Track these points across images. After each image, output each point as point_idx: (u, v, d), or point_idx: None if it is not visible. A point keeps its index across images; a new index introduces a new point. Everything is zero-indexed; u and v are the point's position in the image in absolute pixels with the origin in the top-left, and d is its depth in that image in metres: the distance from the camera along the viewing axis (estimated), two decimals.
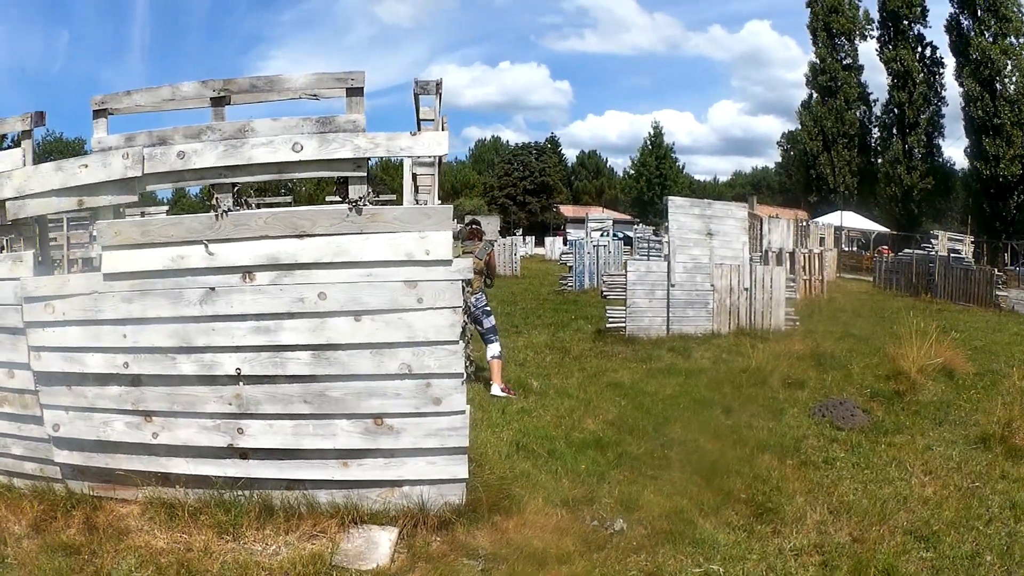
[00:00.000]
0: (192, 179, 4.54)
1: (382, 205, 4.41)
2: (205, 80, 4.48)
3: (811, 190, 57.15)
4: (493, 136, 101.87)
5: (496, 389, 8.38)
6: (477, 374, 8.87)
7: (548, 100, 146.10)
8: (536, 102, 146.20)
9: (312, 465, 4.72)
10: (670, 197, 13.21)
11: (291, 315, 4.50)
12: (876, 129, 57.60)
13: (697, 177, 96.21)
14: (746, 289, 12.85)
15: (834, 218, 42.75)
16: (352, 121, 4.28)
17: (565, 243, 37.89)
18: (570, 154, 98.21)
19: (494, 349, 8.60)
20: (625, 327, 12.33)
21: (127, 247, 4.67)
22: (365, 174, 4.32)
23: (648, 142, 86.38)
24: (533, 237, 58.48)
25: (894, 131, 54.40)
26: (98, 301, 4.74)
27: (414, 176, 4.95)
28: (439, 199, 4.85)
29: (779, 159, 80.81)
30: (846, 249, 42.34)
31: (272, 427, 4.69)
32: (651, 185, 77.15)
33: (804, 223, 28.70)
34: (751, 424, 7.16)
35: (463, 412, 4.66)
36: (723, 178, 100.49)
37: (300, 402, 4.61)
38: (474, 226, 9.43)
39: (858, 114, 56.71)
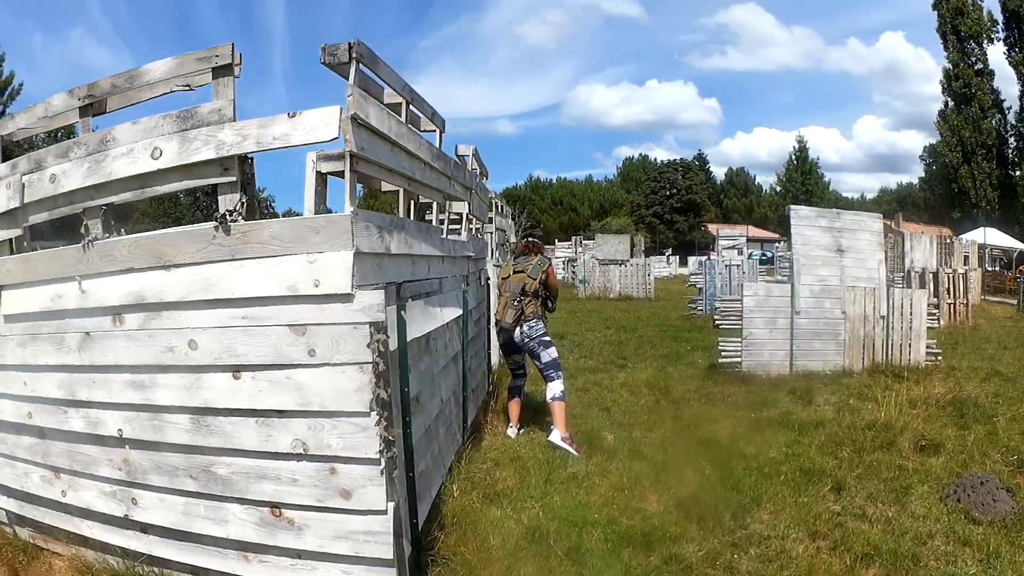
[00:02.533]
0: (65, 205, 3.45)
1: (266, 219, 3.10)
2: (72, 88, 3.42)
3: (953, 205, 49.97)
4: (641, 154, 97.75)
5: (556, 437, 6.42)
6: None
7: (698, 118, 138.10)
8: (686, 120, 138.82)
9: (210, 552, 3.44)
10: (792, 207, 10.55)
11: (163, 368, 3.25)
12: (1012, 139, 49.71)
13: (844, 195, 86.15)
14: (882, 317, 10.11)
15: (977, 235, 36.23)
16: (217, 111, 2.98)
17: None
18: (720, 172, 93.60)
19: (555, 388, 6.65)
20: (741, 363, 9.99)
21: (18, 286, 3.73)
22: (236, 178, 3.01)
23: (793, 157, 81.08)
24: (677, 256, 55.81)
25: None
26: (2, 345, 3.86)
27: (320, 176, 3.62)
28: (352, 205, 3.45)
29: (922, 174, 73.04)
30: (988, 269, 36.61)
31: (163, 502, 3.48)
32: (797, 202, 71.89)
33: (948, 239, 24.66)
34: (864, 512, 4.98)
35: (384, 512, 3.14)
36: (870, 195, 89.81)
37: (186, 476, 3.35)
38: (530, 239, 7.36)
39: (994, 123, 49.27)
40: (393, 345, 3.42)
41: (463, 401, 6.18)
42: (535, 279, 6.87)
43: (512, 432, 7.02)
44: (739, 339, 10.12)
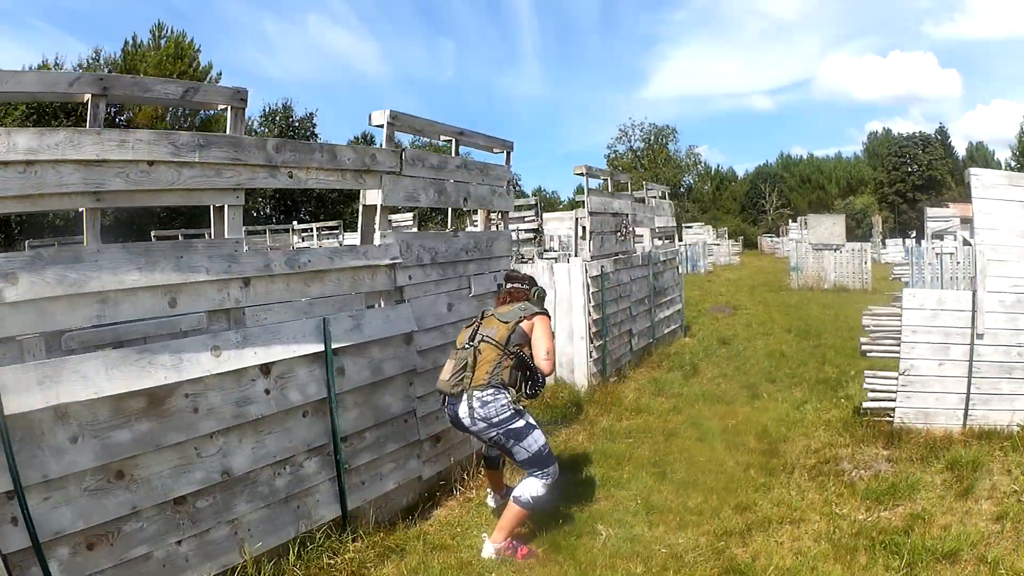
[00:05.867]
0: None
1: None
2: None
3: None
4: (885, 128, 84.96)
5: (489, 549, 4.23)
6: None
7: (940, 91, 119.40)
8: (929, 94, 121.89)
9: None
10: (973, 170, 6.47)
11: None
12: None
13: None
14: None
15: None
16: None
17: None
18: (962, 148, 79.72)
19: (530, 489, 4.27)
20: (894, 409, 6.49)
21: None
22: None
23: None
24: (916, 239, 47.49)
25: None
26: None
27: None
28: None
29: None
30: None
31: None
32: None
33: None
34: None
35: None
36: None
37: None
38: (511, 286, 4.79)
39: None
40: None
41: (337, 468, 4.43)
42: (506, 323, 4.37)
43: (492, 502, 5.09)
44: (895, 374, 6.56)
